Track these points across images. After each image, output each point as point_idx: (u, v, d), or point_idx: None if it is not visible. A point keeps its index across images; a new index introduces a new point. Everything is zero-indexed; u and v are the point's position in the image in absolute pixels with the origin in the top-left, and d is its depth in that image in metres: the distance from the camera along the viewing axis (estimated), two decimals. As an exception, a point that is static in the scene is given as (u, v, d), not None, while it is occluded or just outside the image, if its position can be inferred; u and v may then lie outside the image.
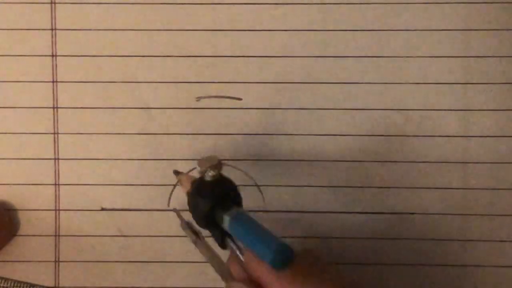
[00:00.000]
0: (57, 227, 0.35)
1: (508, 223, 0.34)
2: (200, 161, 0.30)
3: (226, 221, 0.27)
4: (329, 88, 0.34)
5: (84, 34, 0.35)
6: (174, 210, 0.33)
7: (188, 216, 0.30)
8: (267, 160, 0.35)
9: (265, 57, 0.35)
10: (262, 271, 0.25)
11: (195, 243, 0.31)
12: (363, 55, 0.34)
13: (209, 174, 0.29)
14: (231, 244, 0.28)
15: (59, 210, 0.35)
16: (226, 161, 0.35)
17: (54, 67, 0.35)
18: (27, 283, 0.35)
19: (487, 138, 0.34)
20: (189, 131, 0.35)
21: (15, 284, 0.35)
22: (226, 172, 0.34)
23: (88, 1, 0.35)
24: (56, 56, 0.35)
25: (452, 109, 0.34)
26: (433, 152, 0.34)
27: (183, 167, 0.35)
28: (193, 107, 0.35)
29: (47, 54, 0.35)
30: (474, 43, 0.34)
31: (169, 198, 0.35)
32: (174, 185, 0.35)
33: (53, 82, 0.35)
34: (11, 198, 0.35)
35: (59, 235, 0.35)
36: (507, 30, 0.34)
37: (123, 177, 0.35)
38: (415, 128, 0.34)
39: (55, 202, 0.35)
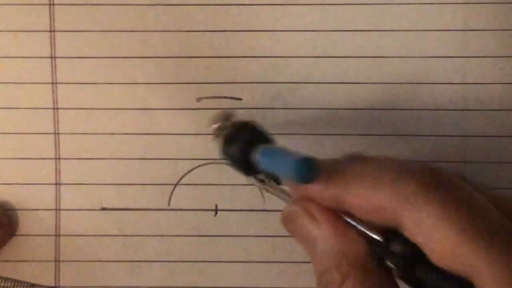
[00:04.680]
0: (57, 226, 0.35)
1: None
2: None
3: (256, 158, 0.26)
4: (328, 88, 0.34)
5: (83, 35, 0.35)
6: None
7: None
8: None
9: (265, 57, 0.34)
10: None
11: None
12: (363, 55, 0.34)
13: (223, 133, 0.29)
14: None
15: (59, 209, 0.35)
16: (224, 160, 0.35)
17: (54, 69, 0.35)
18: (27, 283, 0.35)
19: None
20: (189, 132, 0.35)
21: (15, 284, 0.35)
22: (224, 171, 0.34)
23: (87, 2, 0.34)
24: (55, 57, 0.35)
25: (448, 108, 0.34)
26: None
27: (183, 167, 0.35)
28: (193, 107, 0.35)
29: (46, 56, 0.35)
30: (473, 43, 0.34)
31: (170, 198, 0.35)
32: (175, 185, 0.35)
33: (52, 83, 0.35)
34: (11, 198, 0.35)
35: (59, 235, 0.35)
36: (507, 30, 0.34)
37: (123, 177, 0.35)
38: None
39: (56, 201, 0.35)
